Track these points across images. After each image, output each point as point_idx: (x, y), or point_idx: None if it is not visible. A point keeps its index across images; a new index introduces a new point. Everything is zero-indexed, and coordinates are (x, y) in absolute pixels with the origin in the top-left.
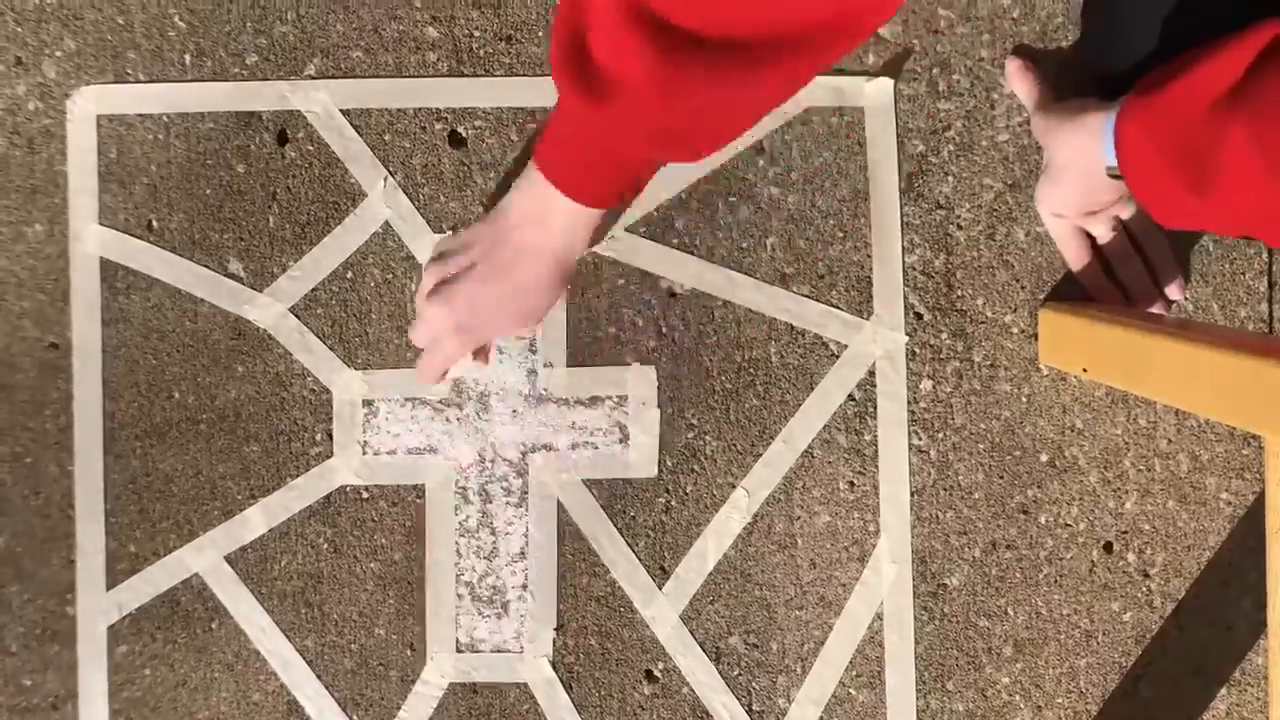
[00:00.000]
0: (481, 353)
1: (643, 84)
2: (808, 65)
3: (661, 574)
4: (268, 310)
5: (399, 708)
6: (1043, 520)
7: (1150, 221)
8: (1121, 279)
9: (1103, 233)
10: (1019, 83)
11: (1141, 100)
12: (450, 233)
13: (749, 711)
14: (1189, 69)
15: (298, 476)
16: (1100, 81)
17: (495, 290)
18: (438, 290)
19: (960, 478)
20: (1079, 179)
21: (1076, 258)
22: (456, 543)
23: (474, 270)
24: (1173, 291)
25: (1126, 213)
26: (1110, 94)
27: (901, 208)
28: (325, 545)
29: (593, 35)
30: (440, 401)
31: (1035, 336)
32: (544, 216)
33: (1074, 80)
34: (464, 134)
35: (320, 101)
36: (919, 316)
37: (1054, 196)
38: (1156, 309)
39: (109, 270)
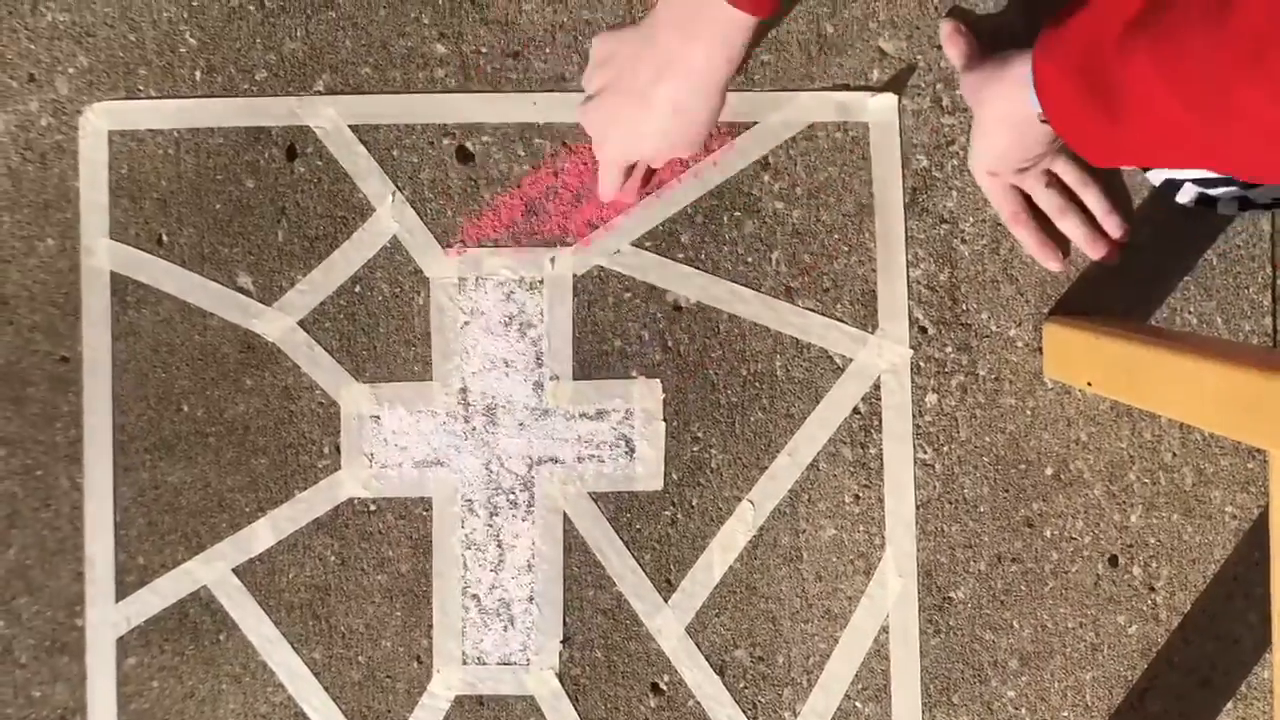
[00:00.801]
0: (645, 179)
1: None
2: None
3: (667, 587)
4: (276, 324)
5: None
6: (1048, 534)
7: (1083, 171)
8: (1063, 231)
9: (1037, 189)
10: (951, 45)
11: (1053, 34)
12: (600, 36)
13: None
14: None
15: (305, 489)
16: None
17: (636, 116)
18: (588, 103)
19: (965, 491)
20: (1009, 131)
21: (1012, 215)
22: (463, 555)
23: (613, 89)
24: (1115, 232)
25: (1059, 166)
26: None
27: (906, 222)
28: (332, 558)
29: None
30: (447, 414)
31: (1040, 350)
32: (693, 25)
33: (1009, 45)
34: (471, 149)
35: (329, 117)
36: (924, 330)
37: (986, 153)
38: (1102, 254)
39: (119, 284)
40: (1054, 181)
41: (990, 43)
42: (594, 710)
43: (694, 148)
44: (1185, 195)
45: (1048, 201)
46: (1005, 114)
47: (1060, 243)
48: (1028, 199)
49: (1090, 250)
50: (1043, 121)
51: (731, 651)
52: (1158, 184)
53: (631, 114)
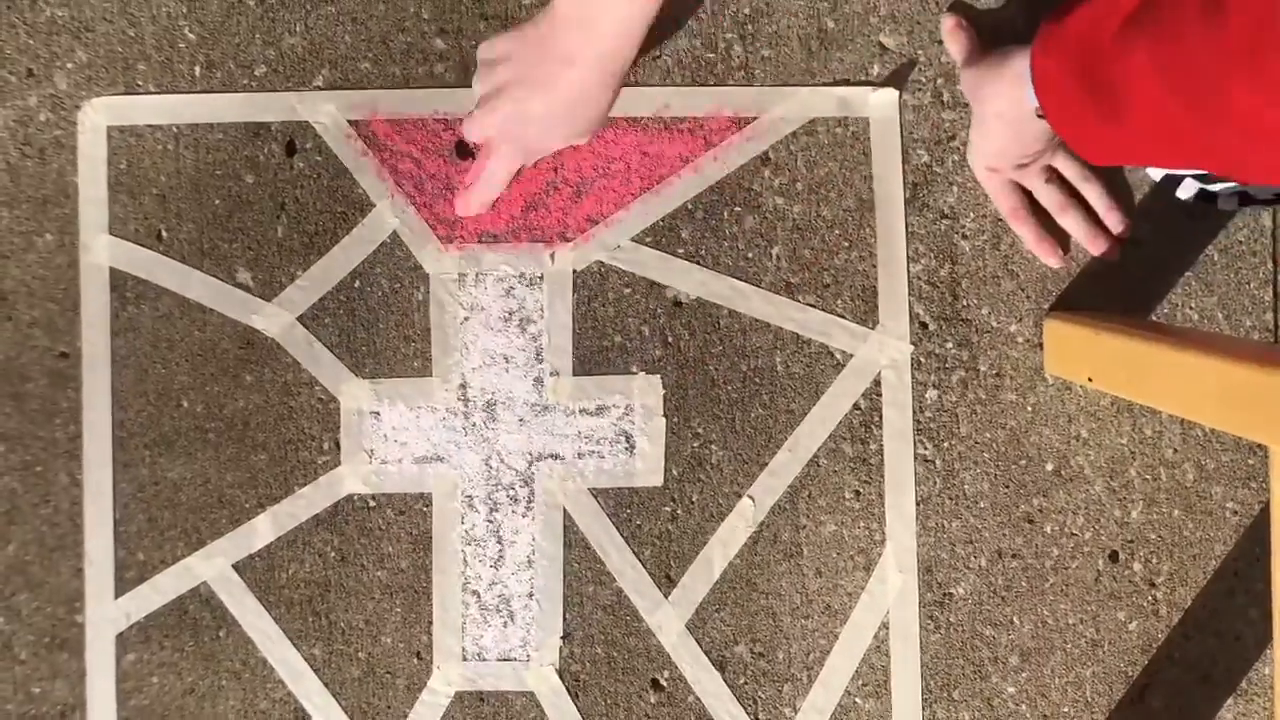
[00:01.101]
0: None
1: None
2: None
3: (667, 583)
4: (276, 320)
5: (405, 716)
6: (1048, 529)
7: (1084, 166)
8: (1063, 227)
9: (1037, 185)
10: (952, 41)
11: (1052, 30)
12: (496, 37)
13: None
14: None
15: (305, 485)
16: None
17: (539, 104)
18: (483, 103)
19: (966, 487)
20: (1009, 128)
21: (1011, 211)
22: (463, 551)
23: (515, 84)
24: (1117, 228)
25: (1059, 162)
26: None
27: (906, 217)
28: (332, 554)
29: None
30: (447, 410)
31: (1040, 346)
32: (589, 15)
33: (1010, 41)
34: (471, 144)
35: (328, 113)
36: (924, 326)
37: (986, 149)
38: (1103, 250)
39: (118, 280)
40: (1054, 177)
41: (991, 38)
42: (594, 706)
43: (588, 136)
44: (1186, 191)
45: (1048, 198)
46: (1004, 110)
47: (1061, 238)
48: (1028, 194)
49: (1091, 246)
50: (1040, 118)
51: (732, 647)
52: (1158, 179)
53: (535, 108)
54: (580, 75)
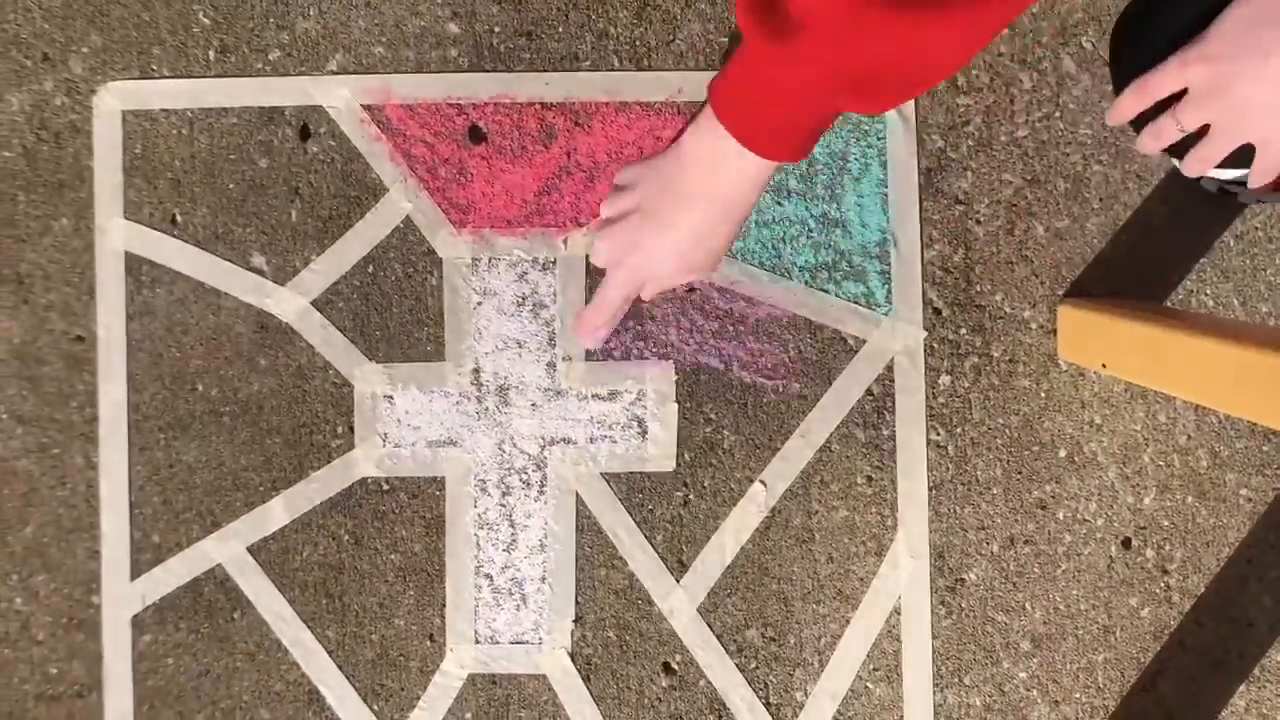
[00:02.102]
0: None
1: (830, 20)
2: (998, 9)
3: (679, 567)
4: (290, 304)
5: (419, 698)
6: (1061, 516)
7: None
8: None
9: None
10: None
11: None
12: (630, 164)
13: (766, 704)
14: None
15: (319, 469)
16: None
17: (657, 238)
18: (605, 228)
19: (978, 473)
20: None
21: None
22: (476, 535)
23: (638, 214)
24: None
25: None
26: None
27: (920, 203)
28: (346, 537)
29: None
30: (460, 394)
31: (1054, 332)
32: (715, 162)
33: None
34: (484, 129)
35: (342, 97)
36: (938, 312)
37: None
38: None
39: (133, 264)
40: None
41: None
42: (606, 689)
43: (704, 272)
44: (1209, 183)
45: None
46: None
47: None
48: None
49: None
50: None
51: (743, 632)
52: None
53: (652, 239)
54: (699, 216)
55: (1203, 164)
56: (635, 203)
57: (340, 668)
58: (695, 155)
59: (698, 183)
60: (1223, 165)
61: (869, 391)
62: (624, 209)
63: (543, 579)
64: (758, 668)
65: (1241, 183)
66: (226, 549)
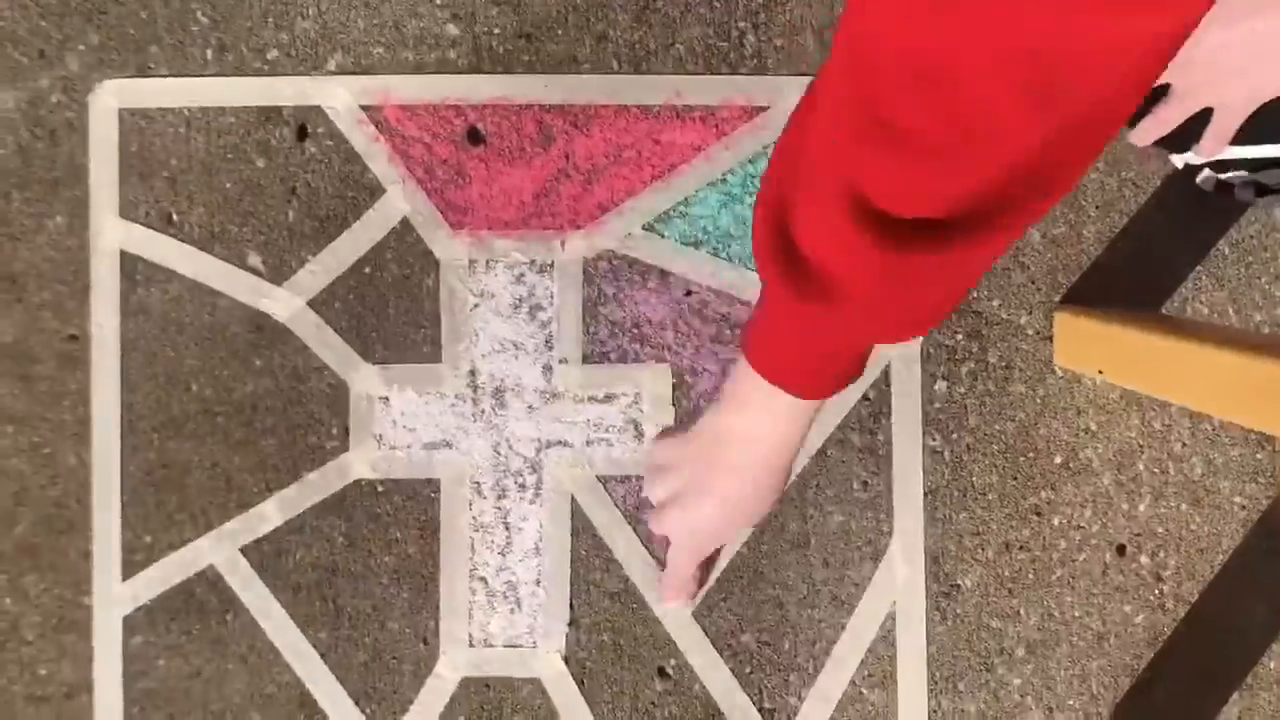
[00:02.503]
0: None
1: (871, 287)
2: (1033, 211)
3: None
4: (286, 304)
5: (412, 701)
6: (1056, 522)
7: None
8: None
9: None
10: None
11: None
12: (658, 440)
13: (761, 709)
14: None
15: (313, 470)
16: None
17: (709, 510)
18: (657, 508)
19: (974, 478)
20: None
21: None
22: (470, 537)
23: (686, 492)
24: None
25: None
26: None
27: None
28: (340, 539)
29: (803, 232)
30: (456, 396)
31: (1050, 338)
32: (752, 433)
33: None
34: (483, 131)
35: (340, 97)
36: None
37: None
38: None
39: (129, 263)
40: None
41: None
42: (600, 693)
43: (758, 520)
44: (1207, 183)
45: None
46: None
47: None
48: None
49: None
50: None
51: (738, 636)
52: (1180, 167)
53: (706, 515)
54: (746, 482)
55: (1160, 125)
56: (681, 484)
57: (333, 670)
58: (732, 427)
59: (741, 454)
60: (1172, 148)
61: (865, 397)
62: (671, 491)
63: (537, 582)
64: (752, 672)
65: (1229, 172)
66: (219, 550)
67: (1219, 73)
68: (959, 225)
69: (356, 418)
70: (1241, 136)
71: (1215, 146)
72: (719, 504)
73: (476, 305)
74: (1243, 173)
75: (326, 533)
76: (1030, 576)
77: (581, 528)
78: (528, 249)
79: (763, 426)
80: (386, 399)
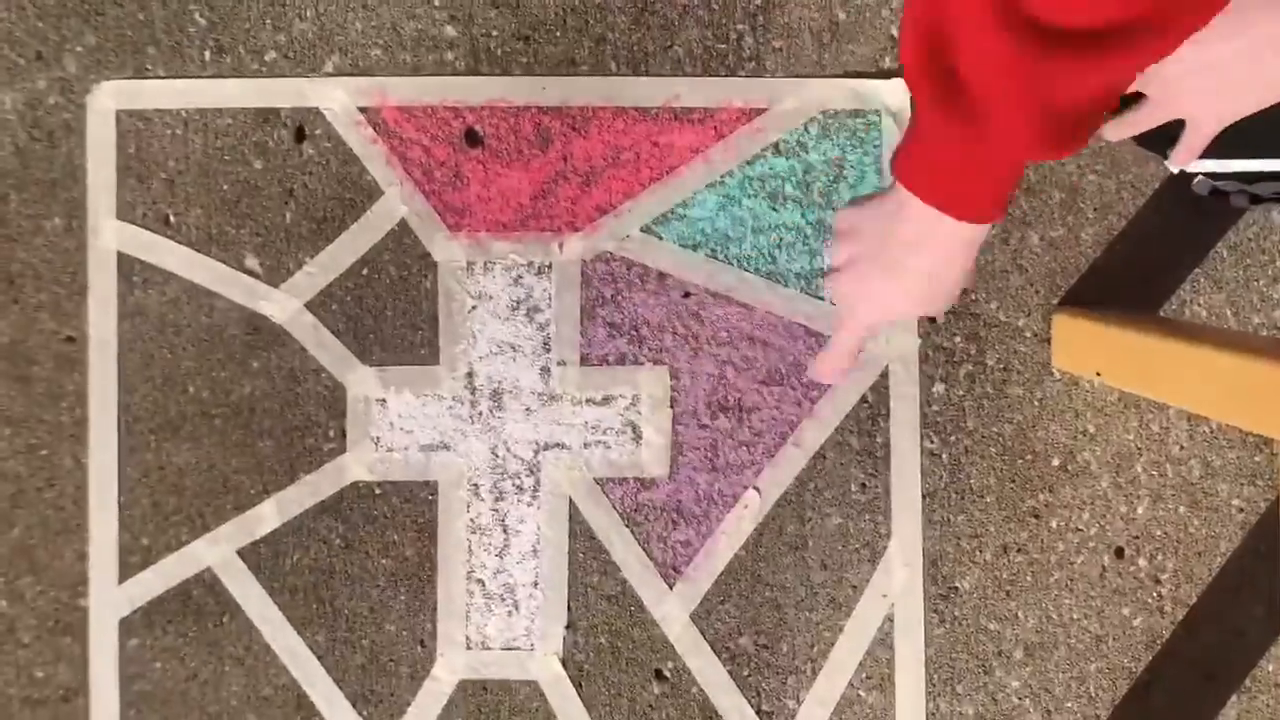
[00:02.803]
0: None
1: (1016, 97)
2: (1186, 24)
3: (672, 573)
4: (283, 306)
5: (409, 704)
6: (1054, 524)
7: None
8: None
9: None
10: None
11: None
12: (848, 208)
13: (758, 712)
14: None
15: (310, 472)
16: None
17: (887, 284)
18: (834, 276)
19: (972, 481)
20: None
21: None
22: (468, 539)
23: (863, 259)
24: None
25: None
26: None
27: None
28: (337, 541)
29: (960, 44)
30: (454, 398)
31: (1048, 341)
32: (931, 229)
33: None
34: (480, 133)
35: (338, 99)
36: (932, 320)
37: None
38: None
39: (126, 264)
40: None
41: None
42: (597, 696)
43: (942, 307)
44: (1201, 187)
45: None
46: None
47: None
48: None
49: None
50: None
51: (736, 639)
52: (1175, 171)
53: (883, 284)
54: (926, 259)
55: (1130, 128)
56: (859, 251)
57: (330, 673)
58: (910, 208)
59: (921, 228)
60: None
61: (863, 399)
62: (848, 257)
63: (535, 584)
64: (750, 675)
65: (1227, 180)
66: (216, 552)
67: (1188, 90)
68: (1110, 35)
69: (354, 420)
70: (1235, 150)
71: (1186, 158)
72: (897, 278)
73: (474, 307)
74: (1236, 184)
75: (324, 535)
76: (1028, 579)
77: (579, 530)
78: (526, 251)
79: (937, 229)
80: (384, 401)
